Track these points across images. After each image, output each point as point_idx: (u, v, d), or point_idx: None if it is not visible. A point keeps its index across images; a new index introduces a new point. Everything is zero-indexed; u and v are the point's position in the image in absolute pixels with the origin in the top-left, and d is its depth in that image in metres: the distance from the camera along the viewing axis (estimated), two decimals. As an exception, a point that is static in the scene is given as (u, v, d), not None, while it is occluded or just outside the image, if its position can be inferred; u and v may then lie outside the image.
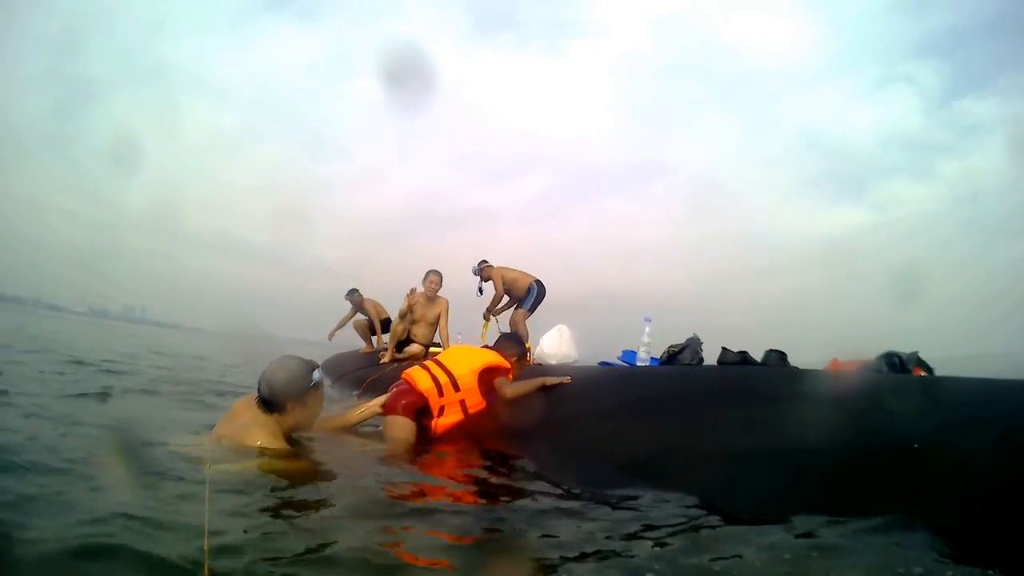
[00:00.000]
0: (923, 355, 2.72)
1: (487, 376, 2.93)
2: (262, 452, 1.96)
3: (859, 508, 1.46)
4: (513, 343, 3.27)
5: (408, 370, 3.05)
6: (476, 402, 2.92)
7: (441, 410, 2.86)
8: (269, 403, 2.08)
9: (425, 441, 2.80)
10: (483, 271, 6.33)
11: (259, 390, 2.10)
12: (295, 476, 1.84)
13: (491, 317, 6.42)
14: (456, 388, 2.87)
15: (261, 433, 2.01)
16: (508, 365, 3.03)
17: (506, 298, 6.32)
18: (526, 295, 6.13)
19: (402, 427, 2.78)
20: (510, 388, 2.88)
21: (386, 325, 7.43)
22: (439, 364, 3.00)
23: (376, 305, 7.72)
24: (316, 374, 2.15)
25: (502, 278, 6.22)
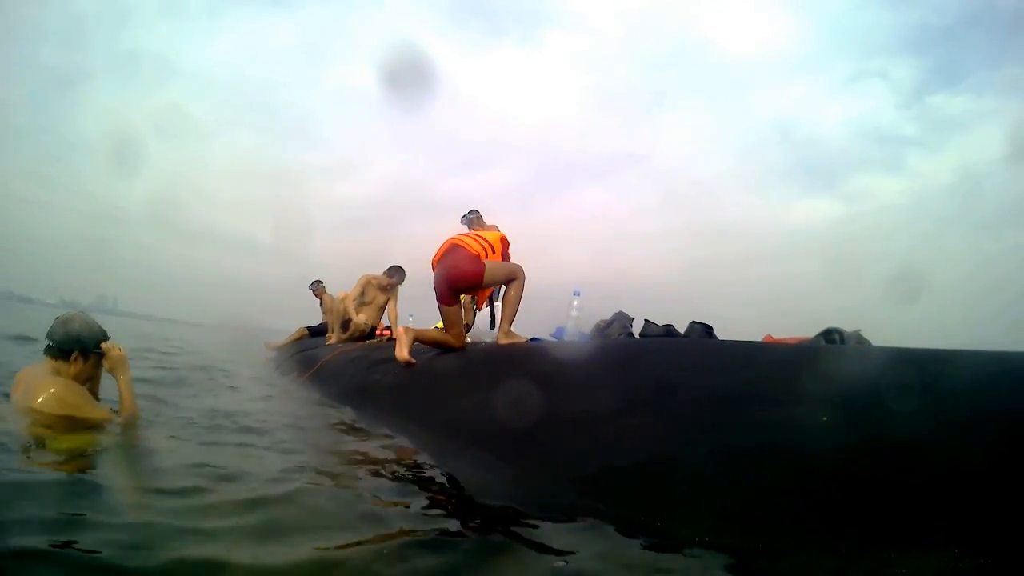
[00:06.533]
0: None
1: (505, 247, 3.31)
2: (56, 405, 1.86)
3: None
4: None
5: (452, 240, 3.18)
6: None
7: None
8: (57, 350, 1.99)
9: None
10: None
11: (50, 336, 2.00)
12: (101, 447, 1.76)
13: None
14: (494, 251, 3.14)
15: (52, 379, 1.92)
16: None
17: None
18: None
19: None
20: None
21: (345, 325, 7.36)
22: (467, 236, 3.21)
23: (335, 302, 7.59)
24: (105, 345, 2.08)
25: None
